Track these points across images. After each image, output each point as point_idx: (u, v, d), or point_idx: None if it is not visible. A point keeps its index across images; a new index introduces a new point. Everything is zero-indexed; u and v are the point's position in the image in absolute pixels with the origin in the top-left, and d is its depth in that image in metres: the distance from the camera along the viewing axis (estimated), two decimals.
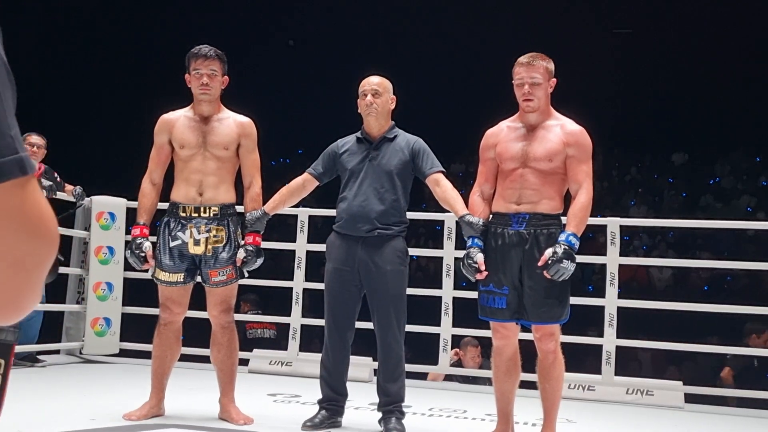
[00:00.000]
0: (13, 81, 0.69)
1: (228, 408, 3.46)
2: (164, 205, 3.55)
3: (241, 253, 3.42)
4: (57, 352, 5.60)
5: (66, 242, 5.75)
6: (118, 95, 13.20)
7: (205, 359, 5.48)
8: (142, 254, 3.39)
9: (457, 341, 5.29)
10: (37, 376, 4.79)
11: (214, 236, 3.40)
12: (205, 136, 3.42)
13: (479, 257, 3.11)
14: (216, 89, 3.45)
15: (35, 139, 5.21)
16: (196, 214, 3.40)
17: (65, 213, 5.41)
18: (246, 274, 3.51)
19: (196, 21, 13.64)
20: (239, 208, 3.52)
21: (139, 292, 5.62)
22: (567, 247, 2.96)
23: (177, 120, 3.48)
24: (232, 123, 3.48)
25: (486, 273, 3.11)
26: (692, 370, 7.95)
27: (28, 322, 5.12)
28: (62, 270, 5.52)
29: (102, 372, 5.18)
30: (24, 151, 0.66)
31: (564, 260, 2.94)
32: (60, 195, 5.21)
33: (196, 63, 3.43)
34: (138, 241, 3.41)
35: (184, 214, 3.41)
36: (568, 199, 3.15)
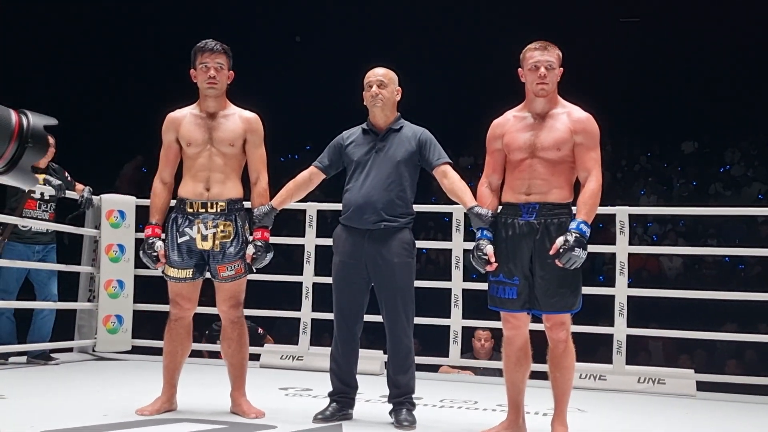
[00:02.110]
0: None
1: (239, 402, 3.48)
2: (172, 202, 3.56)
3: (250, 249, 3.42)
4: (70, 350, 5.65)
5: (77, 241, 5.79)
6: (126, 92, 13.25)
7: (215, 354, 5.51)
8: (155, 254, 3.40)
9: (467, 333, 5.30)
10: (50, 373, 4.82)
11: (222, 231, 3.40)
12: (211, 133, 3.43)
13: (489, 249, 3.11)
14: (222, 83, 3.46)
15: None
16: (203, 210, 3.40)
17: (74, 213, 5.44)
18: (255, 270, 3.52)
19: (202, 18, 13.65)
20: (246, 204, 3.53)
21: (150, 289, 5.65)
22: (578, 235, 2.95)
23: (183, 118, 3.48)
24: (238, 119, 3.48)
25: (496, 264, 3.11)
26: (704, 358, 7.93)
27: (41, 321, 5.16)
28: (74, 268, 5.59)
29: (114, 369, 5.21)
30: None
31: (575, 248, 2.93)
32: (70, 194, 5.23)
33: (203, 57, 3.43)
34: (150, 241, 3.42)
35: (191, 210, 3.42)
36: (577, 188, 3.14)
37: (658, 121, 13.57)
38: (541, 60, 3.10)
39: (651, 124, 13.60)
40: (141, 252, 3.48)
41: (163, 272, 3.49)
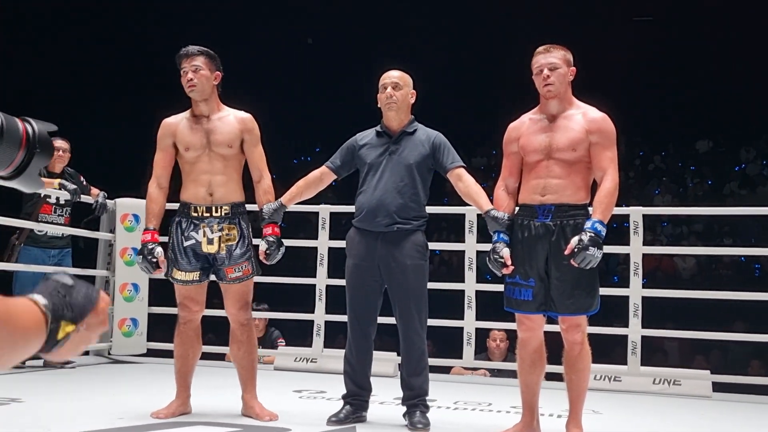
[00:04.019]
0: None
1: (251, 404, 3.49)
2: (172, 205, 3.56)
3: (263, 245, 3.43)
4: (86, 353, 5.68)
5: (92, 244, 5.83)
6: (138, 96, 13.32)
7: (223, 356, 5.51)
8: (154, 260, 3.40)
9: (480, 334, 5.29)
10: (66, 376, 4.85)
11: (227, 235, 3.42)
12: (209, 136, 3.44)
13: (505, 252, 3.10)
14: (203, 84, 3.44)
15: (59, 143, 5.24)
16: (208, 214, 3.42)
17: (88, 218, 5.47)
18: (271, 263, 3.50)
19: (213, 21, 13.71)
20: (249, 206, 3.54)
21: (164, 292, 5.67)
22: (593, 234, 2.93)
23: (179, 123, 3.50)
24: (233, 120, 3.49)
25: (512, 267, 3.10)
26: (720, 358, 7.88)
27: None
28: (89, 272, 5.62)
29: (130, 372, 5.24)
30: None
31: (590, 247, 2.91)
32: (85, 198, 5.25)
33: (182, 63, 3.46)
34: (150, 247, 3.41)
35: (195, 214, 3.43)
36: (594, 190, 3.13)
37: (673, 120, 13.50)
38: (543, 63, 3.11)
39: (665, 123, 13.53)
40: (139, 258, 3.46)
41: (170, 276, 3.49)
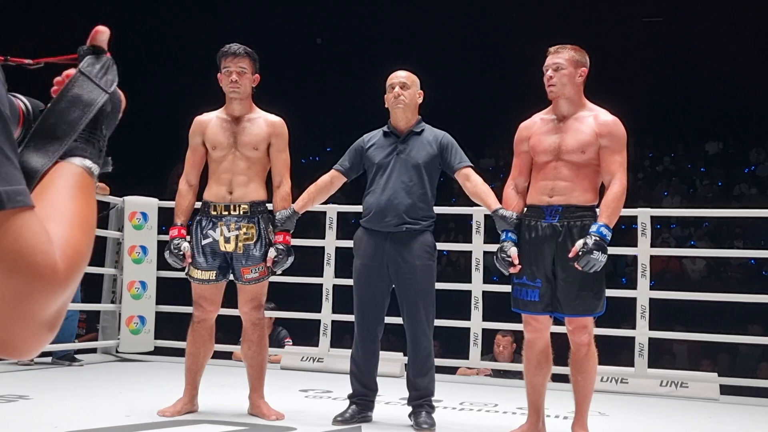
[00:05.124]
0: (8, 118, 0.66)
1: (258, 404, 3.50)
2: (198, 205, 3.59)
3: (272, 253, 3.44)
4: (94, 350, 5.70)
5: (100, 242, 5.85)
6: (150, 95, 13.36)
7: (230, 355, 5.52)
8: (181, 254, 3.45)
9: (487, 335, 5.28)
10: (74, 374, 4.88)
11: (245, 234, 3.43)
12: (236, 137, 3.46)
13: (513, 251, 3.10)
14: (245, 86, 3.47)
15: None
16: (227, 212, 3.44)
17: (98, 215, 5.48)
18: (278, 272, 3.53)
19: (224, 21, 13.74)
20: (270, 206, 3.55)
21: (172, 290, 5.70)
22: (598, 238, 2.93)
23: (210, 121, 3.52)
24: (263, 123, 3.51)
25: (519, 267, 3.10)
26: (729, 361, 7.85)
27: (65, 322, 5.21)
28: (97, 270, 5.64)
29: (137, 370, 5.26)
30: (8, 185, 0.63)
31: (594, 251, 2.91)
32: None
33: (226, 61, 3.47)
34: (176, 242, 3.46)
35: (215, 213, 3.45)
36: (602, 192, 3.12)
37: (682, 121, 13.44)
38: (548, 64, 3.12)
39: (674, 124, 13.48)
40: (167, 253, 3.51)
41: (187, 273, 3.52)
